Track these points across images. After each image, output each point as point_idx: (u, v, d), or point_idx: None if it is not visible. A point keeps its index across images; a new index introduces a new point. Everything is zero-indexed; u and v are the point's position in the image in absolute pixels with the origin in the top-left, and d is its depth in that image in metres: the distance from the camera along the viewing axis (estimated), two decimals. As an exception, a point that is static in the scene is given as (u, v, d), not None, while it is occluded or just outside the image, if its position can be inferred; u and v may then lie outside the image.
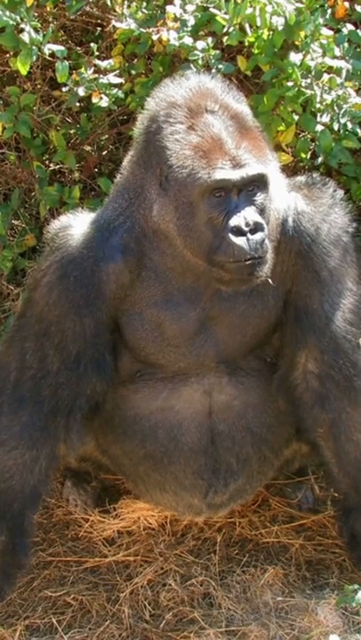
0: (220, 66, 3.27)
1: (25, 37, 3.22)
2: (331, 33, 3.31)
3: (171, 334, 2.92)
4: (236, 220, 2.68)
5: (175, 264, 2.84)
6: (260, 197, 2.73)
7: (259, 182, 2.72)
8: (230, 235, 2.68)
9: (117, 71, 3.44)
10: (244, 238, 2.68)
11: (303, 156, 3.46)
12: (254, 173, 2.69)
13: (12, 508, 2.97)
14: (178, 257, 2.83)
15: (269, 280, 2.78)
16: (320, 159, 3.38)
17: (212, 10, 3.27)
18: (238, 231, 2.68)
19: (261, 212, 2.73)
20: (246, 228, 2.67)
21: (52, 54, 3.29)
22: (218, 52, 3.30)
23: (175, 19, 3.28)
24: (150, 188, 2.82)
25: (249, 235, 2.68)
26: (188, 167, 2.71)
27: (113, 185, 3.05)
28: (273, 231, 2.84)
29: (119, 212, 2.88)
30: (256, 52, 3.30)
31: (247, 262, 2.70)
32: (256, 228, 2.68)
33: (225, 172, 2.68)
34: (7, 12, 3.20)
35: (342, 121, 3.29)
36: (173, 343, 2.93)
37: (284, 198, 2.89)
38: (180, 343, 2.93)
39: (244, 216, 2.68)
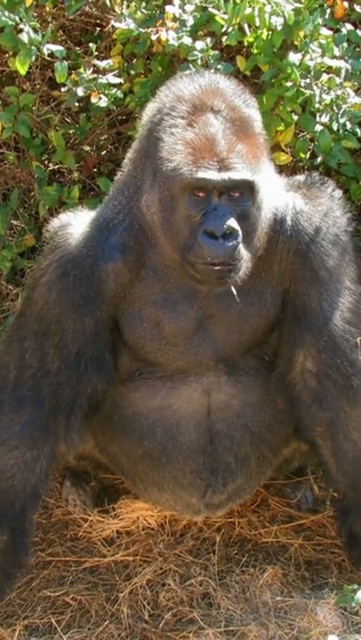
0: (220, 66, 3.27)
1: (24, 37, 3.22)
2: (330, 33, 3.31)
3: (169, 333, 2.92)
4: (210, 223, 2.67)
5: (171, 261, 2.84)
6: (243, 204, 2.71)
7: (243, 188, 2.70)
8: (202, 236, 2.67)
9: (116, 71, 3.44)
10: (215, 242, 2.66)
11: (302, 155, 3.46)
12: (238, 178, 2.67)
13: (13, 508, 2.96)
14: (167, 253, 2.82)
15: (234, 291, 2.76)
16: (319, 159, 3.38)
17: (211, 10, 3.27)
18: (211, 234, 2.66)
19: (243, 218, 2.70)
20: (219, 233, 2.66)
21: (51, 54, 3.29)
22: (217, 52, 3.30)
23: (174, 19, 3.29)
24: (146, 180, 2.82)
25: (221, 239, 2.66)
26: (174, 161, 2.70)
27: (114, 182, 3.05)
28: (262, 238, 2.81)
29: (118, 209, 2.89)
30: (255, 52, 3.30)
31: (216, 267, 2.69)
32: (230, 234, 2.66)
33: (207, 173, 2.66)
34: (6, 12, 3.21)
35: (341, 121, 3.29)
36: (172, 342, 2.93)
37: (283, 197, 2.89)
38: (178, 342, 2.93)
39: (221, 220, 2.66)
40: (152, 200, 2.79)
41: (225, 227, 2.66)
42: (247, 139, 2.72)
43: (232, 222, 2.67)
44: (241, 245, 2.69)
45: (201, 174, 2.67)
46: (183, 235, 2.72)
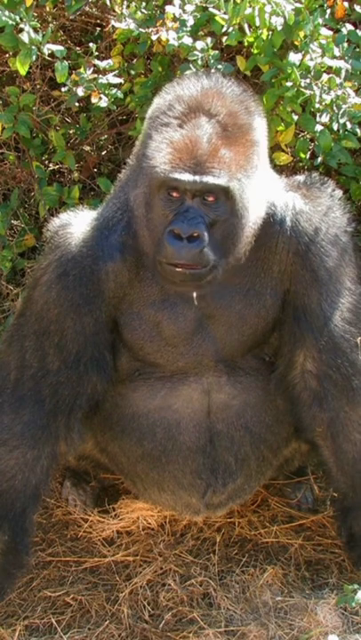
0: (220, 66, 3.27)
1: (24, 37, 3.22)
2: (330, 33, 3.31)
3: (168, 334, 2.92)
4: (177, 224, 2.67)
5: (151, 259, 2.83)
6: (217, 210, 2.70)
7: (217, 194, 2.68)
8: (167, 236, 2.67)
9: (117, 71, 3.45)
10: (179, 243, 2.66)
11: (303, 155, 3.45)
12: (211, 183, 2.66)
13: (14, 508, 2.96)
14: (148, 251, 2.82)
15: (194, 297, 2.77)
16: (319, 159, 3.38)
17: (211, 10, 3.26)
18: (176, 235, 2.66)
19: (216, 224, 2.69)
20: (184, 235, 2.65)
21: (52, 54, 3.29)
22: (217, 52, 3.30)
23: (174, 19, 3.28)
24: (138, 176, 2.83)
25: (185, 241, 2.66)
26: (155, 159, 2.70)
27: (116, 180, 3.05)
28: (243, 247, 2.79)
29: (117, 207, 2.89)
30: (255, 52, 3.30)
31: (177, 268, 2.69)
32: (196, 237, 2.66)
33: (181, 174, 2.66)
34: (6, 12, 3.21)
35: (342, 121, 3.29)
36: (171, 343, 2.93)
37: (282, 198, 2.88)
38: (177, 343, 2.93)
39: (188, 222, 2.66)
40: (138, 195, 2.80)
41: (191, 229, 2.65)
42: (236, 146, 2.71)
43: (200, 226, 2.66)
44: (209, 251, 2.68)
45: (175, 175, 2.67)
46: (157, 233, 2.73)
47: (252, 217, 2.78)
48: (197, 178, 2.66)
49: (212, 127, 2.69)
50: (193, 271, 2.70)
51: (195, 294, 2.79)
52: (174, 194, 2.70)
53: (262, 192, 2.82)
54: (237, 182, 2.70)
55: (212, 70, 3.16)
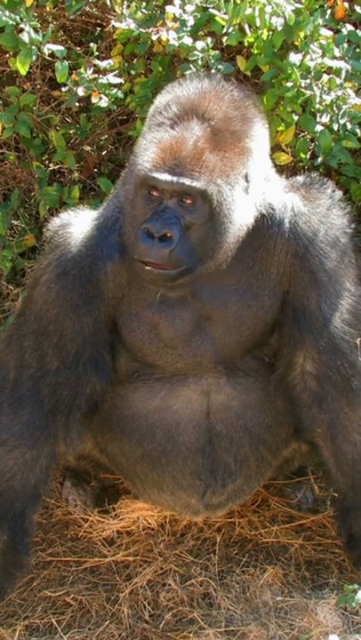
0: (220, 66, 3.26)
1: (24, 37, 3.22)
2: (330, 33, 3.30)
3: (166, 336, 2.92)
4: (151, 222, 2.67)
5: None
6: (194, 212, 2.68)
7: (195, 196, 2.67)
8: (141, 233, 2.68)
9: (117, 71, 3.44)
10: (150, 241, 2.66)
11: (303, 156, 3.45)
12: (188, 185, 2.65)
13: (13, 508, 2.97)
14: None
15: (157, 297, 2.78)
16: (320, 159, 3.38)
17: (211, 10, 3.26)
18: (148, 233, 2.67)
19: (192, 227, 2.68)
20: (156, 234, 2.65)
21: (52, 54, 3.29)
22: (217, 52, 3.29)
23: (175, 19, 3.28)
24: (129, 174, 2.83)
25: (157, 240, 2.66)
26: (141, 157, 2.71)
27: (117, 181, 3.05)
28: (225, 253, 2.77)
29: (116, 205, 2.89)
30: (255, 52, 3.29)
31: (146, 267, 2.69)
32: (168, 238, 2.66)
33: (159, 173, 2.66)
34: (7, 12, 3.21)
35: (342, 121, 3.29)
36: (170, 345, 2.93)
37: (281, 199, 2.88)
38: (176, 344, 2.93)
39: (162, 222, 2.66)
40: (126, 193, 2.81)
41: (163, 229, 2.65)
42: (224, 151, 2.70)
43: (172, 227, 2.66)
44: (182, 253, 2.68)
45: (154, 174, 2.67)
46: (136, 230, 2.73)
47: (236, 223, 2.76)
48: (175, 178, 2.65)
49: (202, 131, 2.68)
50: (162, 271, 2.69)
51: (158, 295, 2.80)
52: (154, 193, 2.70)
53: (252, 199, 2.80)
54: (216, 187, 2.68)
55: (213, 71, 3.17)
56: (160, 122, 2.72)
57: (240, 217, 2.77)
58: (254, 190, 2.80)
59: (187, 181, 2.65)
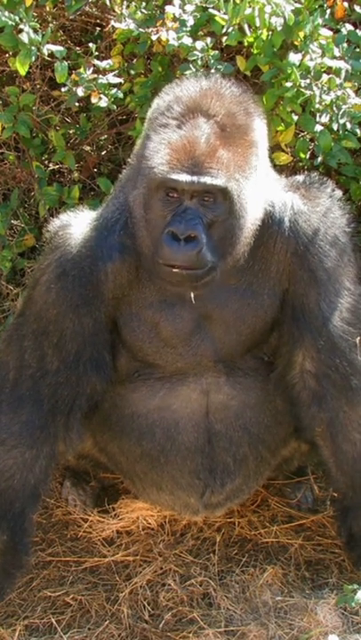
0: (220, 66, 3.26)
1: (24, 37, 3.22)
2: (330, 33, 3.31)
3: (167, 335, 2.92)
4: (174, 225, 2.67)
5: (149, 261, 2.82)
6: (215, 210, 2.70)
7: (215, 194, 2.69)
8: (165, 236, 2.68)
9: (116, 71, 3.45)
10: (176, 244, 2.66)
11: (302, 155, 3.45)
12: (210, 183, 2.66)
13: (13, 508, 2.97)
14: (147, 252, 2.81)
15: (192, 297, 2.77)
16: (319, 159, 3.38)
17: (211, 10, 3.27)
18: (173, 236, 2.66)
19: (214, 225, 2.70)
20: (181, 236, 2.65)
21: (52, 54, 3.29)
22: (217, 52, 3.30)
23: (174, 19, 3.28)
24: (137, 177, 2.83)
25: (183, 242, 2.66)
26: (153, 160, 2.70)
27: (116, 181, 3.05)
28: (242, 248, 2.79)
29: (117, 206, 2.89)
30: (255, 52, 3.30)
31: (174, 269, 2.69)
32: (193, 238, 2.66)
33: (179, 174, 2.66)
34: (6, 13, 3.21)
35: (341, 121, 3.29)
36: (170, 344, 2.93)
37: (281, 198, 2.88)
38: (176, 344, 2.93)
39: (186, 223, 2.66)
40: (137, 196, 2.80)
41: (188, 230, 2.65)
42: (235, 146, 2.71)
43: (197, 227, 2.67)
44: (207, 252, 2.69)
45: (173, 175, 2.67)
46: (156, 233, 2.73)
47: (251, 217, 2.78)
48: (195, 178, 2.66)
49: (211, 128, 2.69)
50: (190, 272, 2.70)
51: (192, 295, 2.79)
52: (173, 194, 2.70)
53: (261, 192, 2.82)
54: (235, 183, 2.70)
55: (212, 71, 3.17)
56: (164, 123, 2.72)
57: (254, 210, 2.79)
58: (262, 183, 2.82)
59: (208, 180, 2.66)
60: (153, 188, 2.71)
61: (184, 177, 2.66)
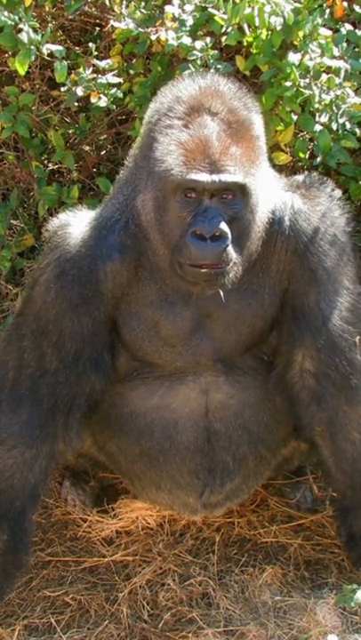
0: (219, 66, 3.27)
1: (23, 37, 3.22)
2: (329, 33, 3.31)
3: (167, 334, 2.92)
4: (199, 224, 2.67)
5: (163, 262, 2.83)
6: (235, 207, 2.71)
7: (235, 191, 2.69)
8: (190, 237, 2.67)
9: (116, 71, 3.45)
10: (203, 244, 2.66)
11: (302, 155, 3.46)
12: (229, 181, 2.67)
13: (13, 507, 2.97)
14: (160, 253, 2.82)
15: (222, 295, 2.75)
16: (319, 159, 3.38)
17: (210, 10, 3.27)
18: (199, 236, 2.66)
19: (234, 221, 2.70)
20: (207, 235, 2.65)
21: (51, 54, 3.30)
22: (216, 51, 3.30)
23: (174, 18, 3.28)
24: (142, 179, 2.82)
25: (209, 241, 2.66)
26: (167, 162, 2.70)
27: (115, 181, 3.05)
28: (256, 242, 2.81)
29: (117, 207, 2.89)
30: (255, 51, 3.30)
31: (202, 269, 2.69)
32: (219, 236, 2.66)
33: (198, 174, 2.66)
34: (6, 12, 3.21)
35: (341, 121, 3.29)
36: (170, 343, 2.93)
37: (281, 197, 2.88)
38: (176, 343, 2.93)
39: (210, 222, 2.66)
40: (146, 200, 2.79)
41: (214, 229, 2.65)
42: (243, 142, 2.71)
43: (222, 225, 2.67)
44: (231, 248, 2.69)
45: (192, 176, 2.66)
46: (174, 235, 2.72)
47: (264, 211, 2.80)
48: (215, 177, 2.66)
49: (218, 125, 2.70)
50: (217, 270, 2.70)
51: (222, 294, 2.77)
52: (191, 195, 2.70)
53: (268, 186, 2.83)
54: (251, 178, 2.71)
55: (212, 70, 3.17)
56: (169, 124, 2.72)
57: (265, 204, 2.81)
58: (267, 176, 2.84)
59: (228, 178, 2.66)
60: (170, 191, 2.70)
61: (204, 177, 2.66)
